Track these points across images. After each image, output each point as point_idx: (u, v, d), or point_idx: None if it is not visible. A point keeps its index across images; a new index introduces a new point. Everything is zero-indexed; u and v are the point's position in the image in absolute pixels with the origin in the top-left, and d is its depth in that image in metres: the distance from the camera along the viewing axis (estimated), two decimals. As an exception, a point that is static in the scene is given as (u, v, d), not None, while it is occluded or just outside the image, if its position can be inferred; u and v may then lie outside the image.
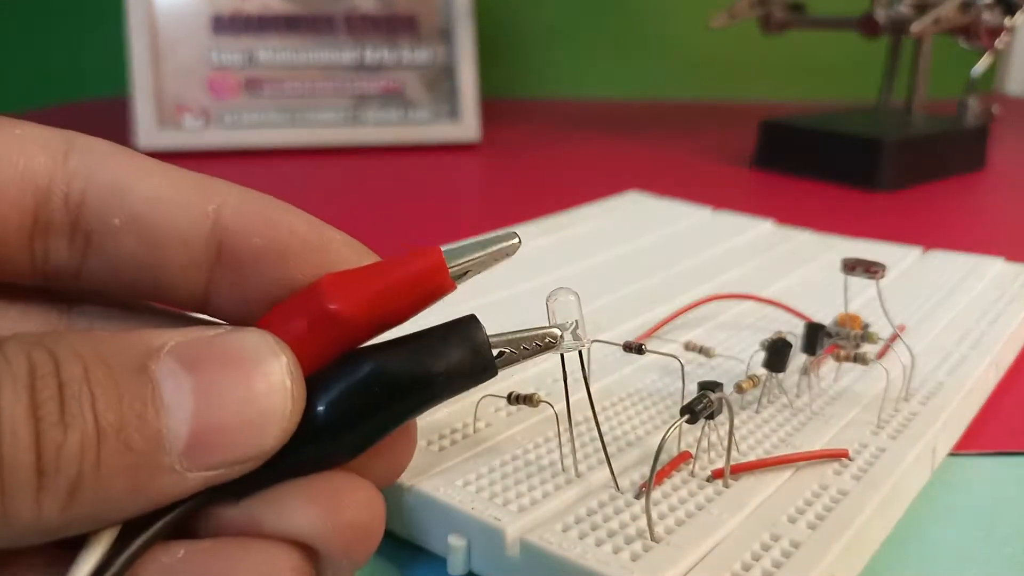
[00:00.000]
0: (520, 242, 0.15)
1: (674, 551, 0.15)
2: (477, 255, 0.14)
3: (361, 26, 0.60)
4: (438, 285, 0.14)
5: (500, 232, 0.15)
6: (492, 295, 0.28)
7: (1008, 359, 0.25)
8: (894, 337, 0.23)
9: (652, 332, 0.25)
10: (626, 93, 0.86)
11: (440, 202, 0.47)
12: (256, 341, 0.13)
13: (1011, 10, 0.49)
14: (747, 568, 0.15)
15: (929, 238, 0.35)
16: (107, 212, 0.14)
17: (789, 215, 0.38)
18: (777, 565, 0.15)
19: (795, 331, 0.25)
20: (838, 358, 0.21)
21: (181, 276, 0.14)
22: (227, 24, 0.58)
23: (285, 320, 0.14)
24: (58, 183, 0.14)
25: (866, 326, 0.24)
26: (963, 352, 0.24)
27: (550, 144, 0.64)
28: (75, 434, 0.11)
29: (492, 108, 0.69)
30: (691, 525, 0.16)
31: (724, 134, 0.68)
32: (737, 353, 0.24)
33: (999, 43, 0.49)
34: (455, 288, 0.14)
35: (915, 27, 0.47)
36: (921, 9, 0.51)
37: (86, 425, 0.11)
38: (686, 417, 0.16)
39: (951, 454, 0.21)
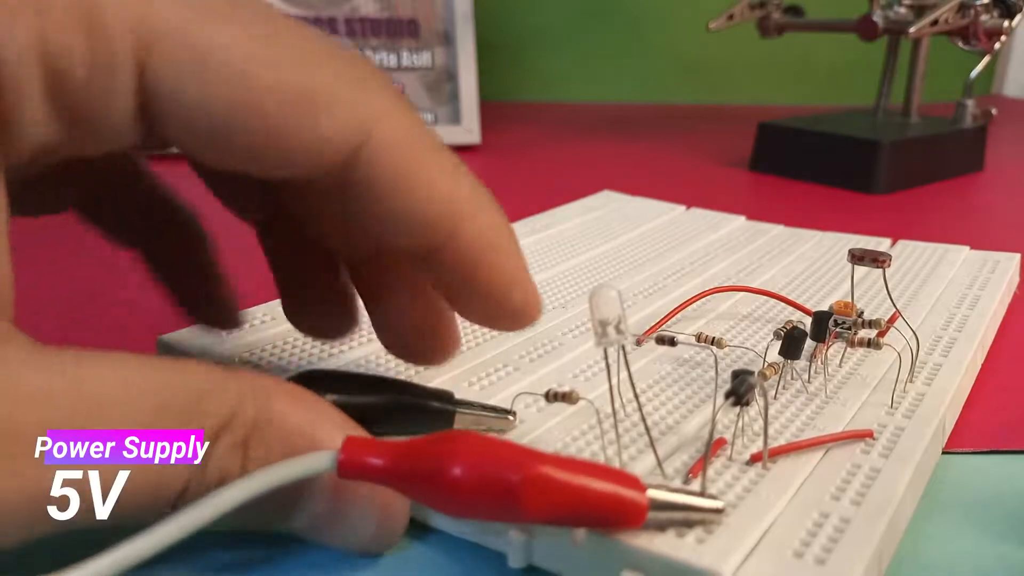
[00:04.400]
0: (723, 511, 0.16)
1: (735, 532, 0.16)
2: (679, 516, 0.16)
3: (362, 29, 0.60)
4: (623, 525, 0.15)
5: (705, 500, 0.16)
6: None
7: (989, 340, 0.27)
8: (894, 319, 0.24)
9: (659, 326, 0.26)
10: (625, 96, 0.87)
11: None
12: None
13: (1009, 12, 0.50)
14: (806, 545, 0.15)
15: (926, 239, 0.36)
16: (370, 204, 0.16)
17: (786, 217, 0.39)
18: (834, 540, 0.15)
19: (791, 319, 0.27)
20: (852, 344, 0.22)
21: (401, 251, 0.17)
22: None
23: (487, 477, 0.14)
24: (340, 174, 0.15)
25: (860, 313, 0.25)
26: (952, 335, 0.25)
27: (550, 146, 0.65)
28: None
29: (492, 111, 0.69)
30: (743, 508, 0.16)
31: (722, 137, 0.69)
32: (742, 343, 0.25)
33: (997, 45, 0.50)
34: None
35: (913, 29, 0.48)
36: (919, 11, 0.52)
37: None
38: (731, 400, 0.17)
39: (944, 452, 0.22)
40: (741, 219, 0.38)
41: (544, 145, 0.65)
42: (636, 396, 0.18)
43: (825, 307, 0.27)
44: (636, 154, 0.63)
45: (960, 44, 0.51)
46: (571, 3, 0.84)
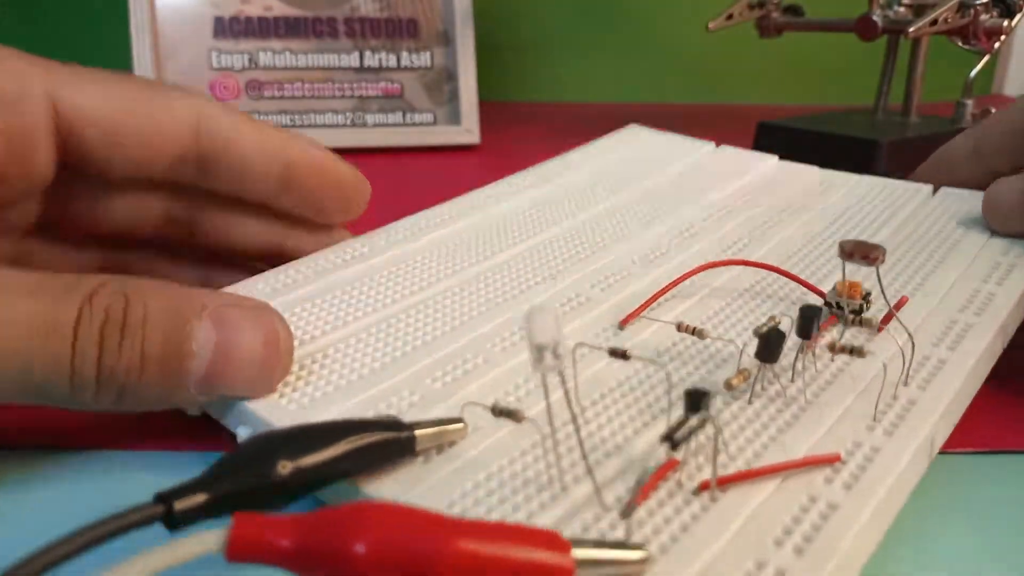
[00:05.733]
0: (646, 560, 0.15)
1: (655, 586, 0.15)
2: (605, 571, 0.15)
3: (361, 29, 0.60)
4: None
5: (630, 552, 0.15)
6: (486, 261, 0.27)
7: (1017, 320, 0.25)
8: (888, 318, 0.22)
9: (642, 309, 0.24)
10: (625, 96, 0.85)
11: (440, 204, 0.47)
12: (271, 316, 0.20)
13: (1009, 12, 0.48)
14: (729, 604, 0.14)
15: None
16: (223, 159, 0.24)
17: None
18: (760, 600, 0.14)
19: (791, 297, 0.25)
20: (833, 350, 0.20)
21: (262, 194, 0.25)
22: (228, 27, 0.57)
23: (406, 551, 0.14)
24: (194, 142, 0.24)
25: (867, 294, 0.23)
26: (968, 320, 0.23)
27: (550, 147, 0.63)
28: (124, 361, 0.18)
29: (492, 111, 0.68)
30: (674, 552, 0.15)
31: (722, 136, 0.67)
32: (731, 326, 0.23)
33: (997, 44, 0.48)
34: None
35: (912, 29, 0.46)
36: (918, 11, 0.50)
37: (134, 356, 0.18)
38: (667, 445, 0.16)
39: (941, 452, 0.21)
40: (773, 159, 0.36)
41: (544, 145, 0.64)
42: (574, 418, 0.17)
43: (837, 277, 0.25)
44: (636, 154, 0.61)
45: (960, 44, 0.49)
46: (571, 3, 0.83)
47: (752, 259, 0.27)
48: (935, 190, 0.32)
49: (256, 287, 0.25)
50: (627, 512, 0.16)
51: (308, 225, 0.27)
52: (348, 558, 0.13)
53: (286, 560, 0.14)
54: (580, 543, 0.15)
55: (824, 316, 0.23)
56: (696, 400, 0.17)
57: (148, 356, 0.18)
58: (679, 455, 0.18)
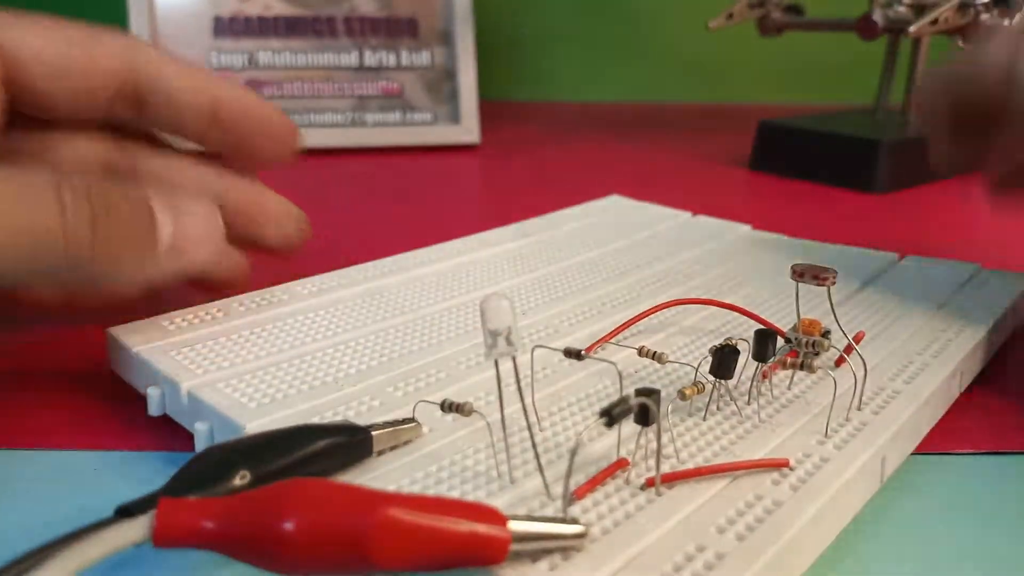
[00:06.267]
0: (585, 535, 0.15)
1: (594, 560, 0.15)
2: (543, 545, 0.15)
3: (361, 28, 0.60)
4: (485, 561, 0.14)
5: (566, 526, 0.15)
6: (463, 296, 0.28)
7: (975, 367, 0.25)
8: (850, 348, 0.23)
9: (609, 337, 0.25)
10: (625, 96, 0.86)
11: (440, 203, 0.47)
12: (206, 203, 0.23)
13: (1010, 11, 0.49)
14: (666, 580, 0.14)
15: (925, 240, 0.34)
16: (155, 92, 0.25)
17: (785, 216, 0.37)
18: (697, 577, 0.14)
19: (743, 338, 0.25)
20: (785, 365, 0.20)
21: (194, 129, 0.26)
22: (228, 26, 0.58)
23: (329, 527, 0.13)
24: (129, 76, 0.25)
25: (826, 332, 0.24)
26: (925, 360, 0.23)
27: (549, 146, 0.64)
28: (114, 229, 0.20)
29: (492, 110, 0.69)
30: (615, 535, 0.15)
31: (722, 136, 0.68)
32: (694, 360, 0.24)
33: None
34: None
35: (913, 28, 0.47)
36: (919, 10, 0.51)
37: (121, 225, 0.20)
38: (604, 420, 0.16)
39: (941, 453, 0.21)
40: (746, 228, 0.37)
41: (543, 144, 0.65)
42: (524, 409, 0.17)
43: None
44: (636, 153, 0.63)
45: (960, 43, 0.50)
46: (571, 3, 0.84)
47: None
48: (900, 257, 0.33)
49: (232, 307, 0.26)
50: (572, 501, 0.17)
51: (248, 176, 0.28)
52: (277, 536, 0.13)
53: (215, 542, 0.13)
54: (516, 517, 0.15)
55: (784, 351, 0.23)
56: (646, 392, 0.17)
57: (125, 220, 0.21)
58: (630, 456, 0.18)
